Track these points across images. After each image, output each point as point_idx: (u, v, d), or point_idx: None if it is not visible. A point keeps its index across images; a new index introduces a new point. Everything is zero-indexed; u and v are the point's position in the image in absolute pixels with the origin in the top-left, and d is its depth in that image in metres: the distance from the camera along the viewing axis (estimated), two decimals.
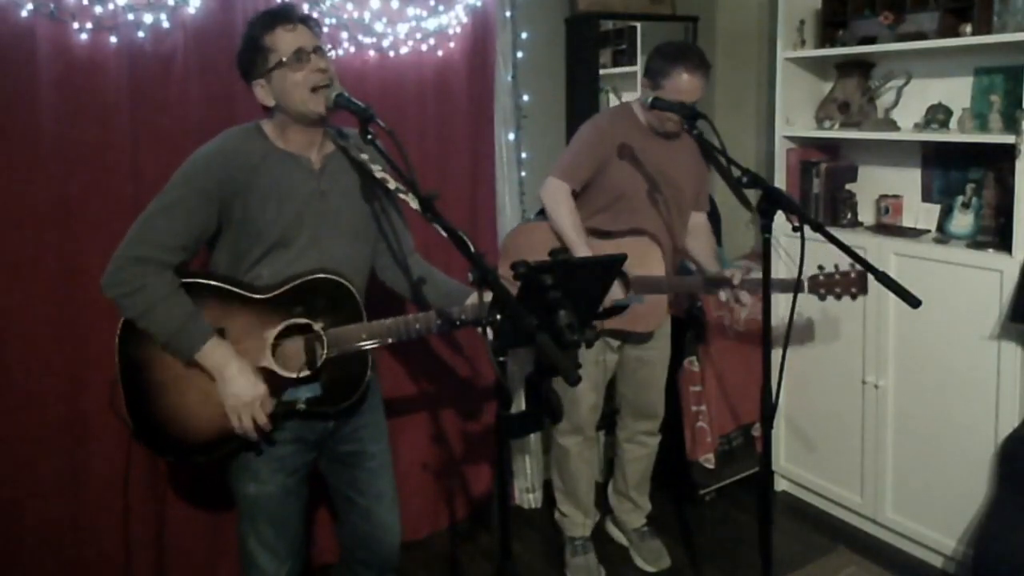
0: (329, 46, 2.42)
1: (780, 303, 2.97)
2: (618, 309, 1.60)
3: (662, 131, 2.52)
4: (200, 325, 1.77)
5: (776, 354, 1.89)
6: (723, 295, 2.46)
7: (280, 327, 1.82)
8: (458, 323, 1.89)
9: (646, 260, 2.48)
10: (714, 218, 3.32)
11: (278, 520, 1.92)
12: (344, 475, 2.04)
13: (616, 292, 2.39)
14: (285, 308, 1.82)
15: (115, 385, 1.82)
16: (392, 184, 1.85)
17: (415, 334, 1.87)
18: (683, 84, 2.37)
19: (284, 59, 1.77)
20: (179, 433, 1.83)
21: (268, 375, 1.81)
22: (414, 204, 1.74)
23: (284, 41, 1.78)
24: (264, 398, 1.79)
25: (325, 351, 1.82)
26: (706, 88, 2.43)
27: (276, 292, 1.82)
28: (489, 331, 1.49)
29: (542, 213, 2.65)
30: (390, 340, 1.85)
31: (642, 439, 2.85)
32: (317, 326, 1.82)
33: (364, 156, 1.90)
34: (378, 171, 1.88)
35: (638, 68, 3.54)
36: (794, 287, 2.02)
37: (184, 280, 1.80)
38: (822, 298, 2.40)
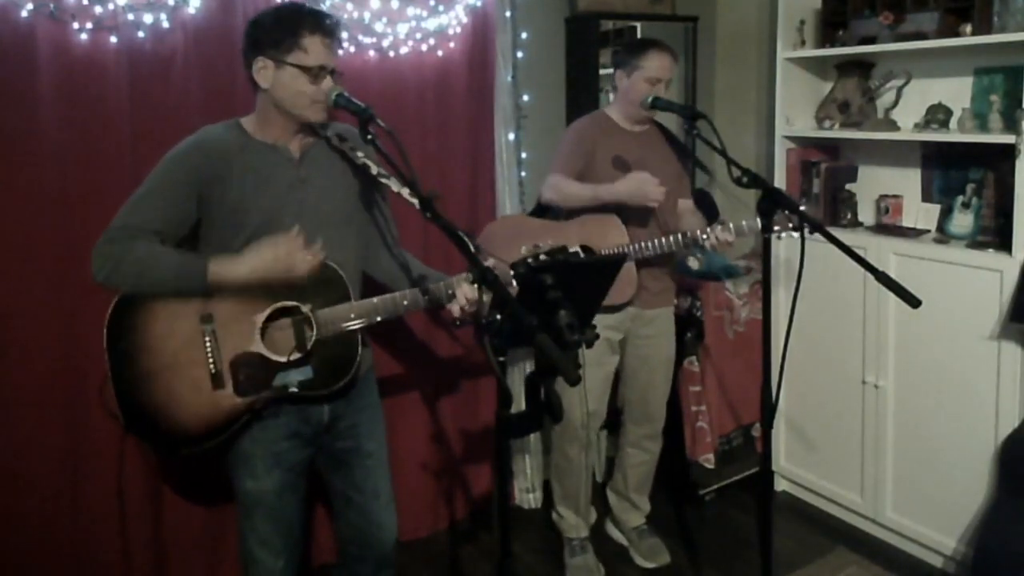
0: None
1: (780, 307, 2.98)
2: None
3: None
4: (192, 256, 1.80)
5: (776, 354, 1.89)
6: (704, 241, 2.45)
7: (268, 311, 1.82)
8: (444, 301, 1.89)
9: (610, 234, 2.52)
10: (713, 219, 3.32)
11: (275, 516, 1.93)
12: (340, 472, 2.05)
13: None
14: (272, 292, 1.82)
15: (105, 380, 1.82)
16: (374, 169, 1.85)
17: (403, 310, 1.89)
18: (659, 61, 2.53)
19: (306, 66, 1.78)
20: (169, 424, 1.82)
21: (259, 360, 1.81)
22: (416, 204, 1.74)
23: (317, 52, 1.79)
24: (291, 238, 1.78)
25: (315, 333, 1.82)
26: (675, 70, 2.59)
27: None
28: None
29: (534, 212, 2.69)
30: (379, 318, 1.86)
31: (646, 444, 2.86)
32: (305, 308, 1.83)
33: (348, 144, 1.91)
34: (360, 159, 1.89)
35: None
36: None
37: None
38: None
